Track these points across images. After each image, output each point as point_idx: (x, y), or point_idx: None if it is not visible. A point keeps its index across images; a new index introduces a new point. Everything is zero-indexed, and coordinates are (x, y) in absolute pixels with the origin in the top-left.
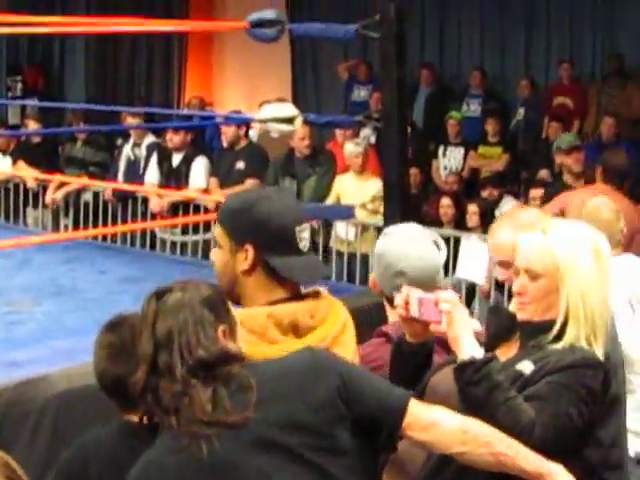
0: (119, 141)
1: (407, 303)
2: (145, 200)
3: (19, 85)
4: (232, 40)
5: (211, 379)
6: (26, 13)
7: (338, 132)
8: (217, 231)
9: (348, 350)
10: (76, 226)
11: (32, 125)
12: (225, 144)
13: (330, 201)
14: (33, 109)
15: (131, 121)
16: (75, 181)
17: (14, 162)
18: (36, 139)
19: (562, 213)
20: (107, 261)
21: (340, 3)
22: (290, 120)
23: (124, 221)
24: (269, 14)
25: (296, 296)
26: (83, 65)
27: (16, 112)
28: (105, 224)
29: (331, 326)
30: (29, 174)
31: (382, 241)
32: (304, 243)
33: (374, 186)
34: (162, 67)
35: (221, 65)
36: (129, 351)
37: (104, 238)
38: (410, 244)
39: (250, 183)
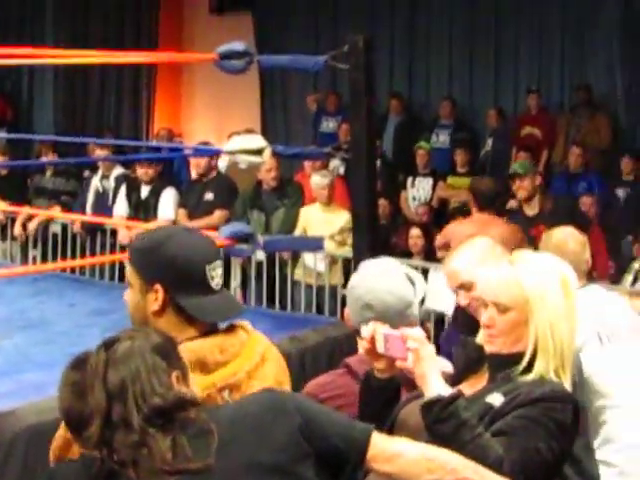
0: (86, 173)
1: (373, 338)
2: (114, 232)
3: None
4: (201, 71)
5: (169, 426)
6: None
7: (307, 163)
8: (128, 270)
9: (266, 383)
10: (45, 258)
11: None
12: (195, 175)
13: (297, 232)
14: (1, 141)
15: (99, 153)
16: (43, 213)
17: None
18: (3, 171)
19: (447, 245)
20: (76, 293)
21: (308, 35)
22: (259, 152)
23: (93, 253)
24: (238, 46)
25: (208, 332)
26: (52, 96)
27: None
28: (74, 256)
29: (245, 360)
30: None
31: (355, 274)
32: (217, 281)
33: (341, 218)
34: (131, 98)
35: (190, 96)
36: (89, 391)
37: (73, 270)
38: (380, 278)
39: (219, 214)
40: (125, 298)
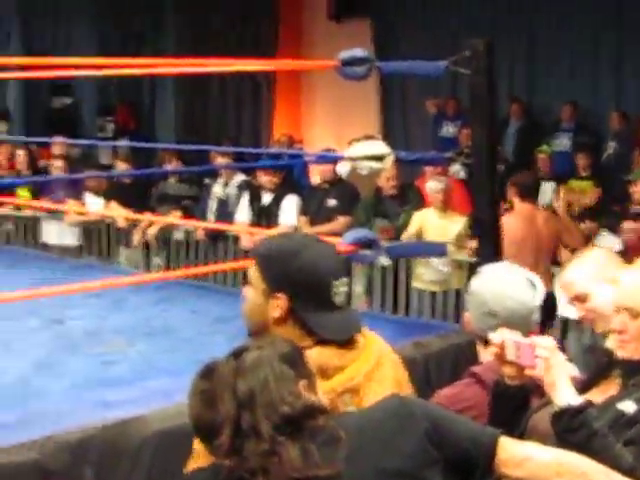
0: (207, 180)
1: (503, 345)
2: (236, 239)
3: (110, 126)
4: (320, 78)
5: (298, 434)
6: (116, 53)
7: (427, 169)
8: (252, 270)
9: (385, 385)
10: (168, 265)
11: (121, 166)
12: (318, 182)
13: (408, 235)
14: (124, 149)
15: (220, 160)
16: (165, 220)
17: (106, 202)
18: (127, 179)
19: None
20: (199, 301)
21: (425, 40)
22: (381, 158)
23: (215, 260)
24: (359, 52)
25: (325, 340)
26: (173, 104)
27: (107, 153)
28: (196, 263)
29: (362, 363)
30: (120, 214)
31: (476, 280)
32: (341, 297)
33: (458, 223)
34: (251, 106)
35: (310, 103)
36: (218, 400)
37: (195, 277)
38: (503, 284)
39: (342, 220)
40: (244, 294)
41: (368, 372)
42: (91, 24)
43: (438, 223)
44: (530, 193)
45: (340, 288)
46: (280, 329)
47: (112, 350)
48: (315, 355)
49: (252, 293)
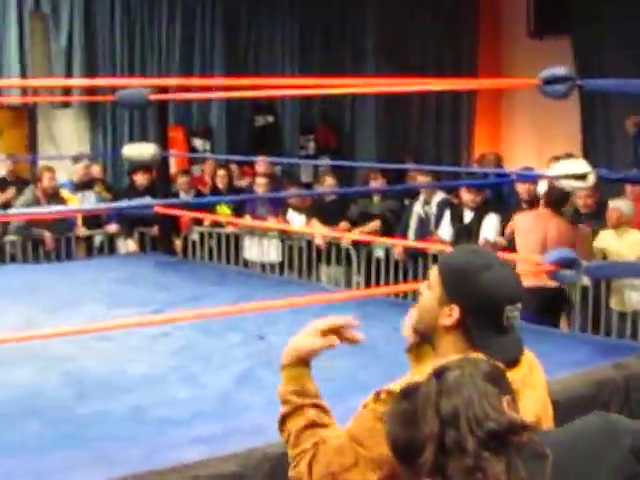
0: (406, 201)
1: None
2: (435, 257)
3: (312, 144)
4: (520, 96)
5: (503, 450)
6: (319, 73)
7: (628, 188)
8: (433, 273)
9: (538, 390)
10: (368, 282)
11: (328, 181)
12: (525, 199)
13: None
14: (326, 167)
15: (422, 179)
16: (367, 237)
17: (308, 220)
18: (329, 197)
19: (512, 231)
20: (400, 318)
21: (627, 57)
22: (582, 176)
23: (415, 278)
24: (560, 70)
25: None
26: (374, 124)
27: (309, 171)
28: (396, 280)
29: (518, 370)
30: (322, 231)
31: None
32: (511, 322)
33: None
34: (451, 124)
35: (510, 121)
36: (420, 419)
37: (396, 294)
38: None
39: None
40: (421, 291)
41: (523, 378)
42: (294, 45)
43: (617, 241)
44: (554, 203)
45: (512, 313)
46: (446, 338)
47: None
48: None
49: (428, 295)
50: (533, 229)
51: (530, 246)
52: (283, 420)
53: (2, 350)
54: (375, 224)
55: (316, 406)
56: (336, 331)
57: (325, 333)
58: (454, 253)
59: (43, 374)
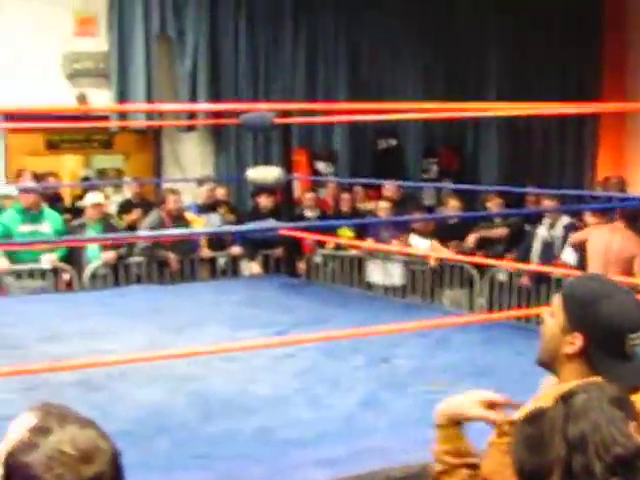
0: (527, 227)
1: None
2: (559, 281)
3: (434, 167)
4: None
5: (630, 475)
6: (441, 97)
7: None
8: (556, 301)
9: None
10: (490, 305)
11: (452, 203)
12: None
13: None
14: (448, 190)
15: (548, 203)
16: (491, 261)
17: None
18: (453, 220)
19: (583, 244)
20: (524, 342)
21: None
22: None
23: (538, 302)
24: None
25: None
26: (496, 147)
27: (431, 194)
28: (519, 304)
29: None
30: (445, 254)
31: None
32: (633, 350)
33: None
34: (574, 147)
35: (634, 145)
36: (547, 444)
37: (519, 318)
38: None
39: None
40: (544, 317)
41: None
42: (417, 69)
43: None
44: (628, 218)
45: (635, 341)
46: (569, 365)
47: (437, 389)
48: None
49: (551, 322)
50: (601, 240)
51: (596, 257)
52: (438, 478)
53: (129, 370)
54: (502, 230)
55: (469, 466)
56: (493, 405)
57: (484, 405)
58: (577, 281)
59: (171, 394)
